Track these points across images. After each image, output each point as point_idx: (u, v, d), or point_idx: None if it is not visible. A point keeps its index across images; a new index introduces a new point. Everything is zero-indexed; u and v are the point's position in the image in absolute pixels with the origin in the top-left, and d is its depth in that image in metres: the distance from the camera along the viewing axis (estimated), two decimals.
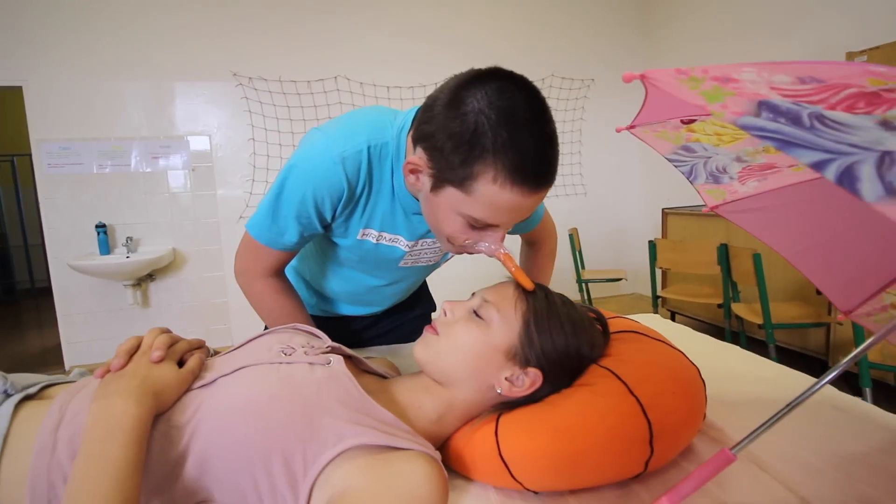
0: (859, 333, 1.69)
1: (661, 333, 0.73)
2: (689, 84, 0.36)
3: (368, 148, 0.71)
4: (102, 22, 2.77)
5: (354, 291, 0.97)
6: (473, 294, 0.68)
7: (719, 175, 0.70)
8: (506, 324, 0.61)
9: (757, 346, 2.19)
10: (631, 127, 0.64)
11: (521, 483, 0.56)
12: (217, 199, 3.08)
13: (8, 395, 0.55)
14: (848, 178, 0.27)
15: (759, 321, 2.17)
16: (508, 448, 0.57)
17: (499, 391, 0.61)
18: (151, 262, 2.78)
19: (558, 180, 3.71)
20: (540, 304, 0.63)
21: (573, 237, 3.19)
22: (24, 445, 0.50)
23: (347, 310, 1.03)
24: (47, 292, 2.94)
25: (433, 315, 0.81)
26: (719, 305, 2.56)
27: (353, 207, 0.76)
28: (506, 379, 0.61)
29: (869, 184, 0.27)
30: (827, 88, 0.34)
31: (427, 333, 0.65)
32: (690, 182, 0.74)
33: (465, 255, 0.75)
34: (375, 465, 0.47)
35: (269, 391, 0.53)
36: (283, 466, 0.48)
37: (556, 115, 3.64)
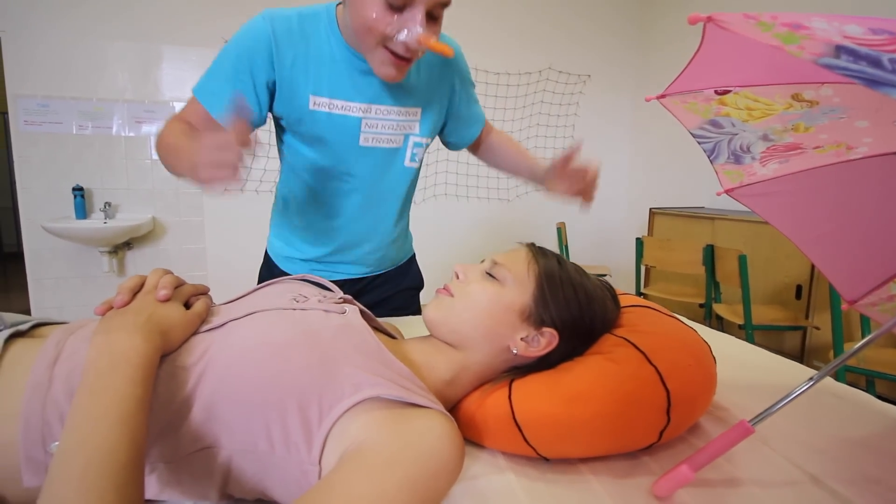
0: (838, 337, 1.74)
1: (669, 312, 0.72)
2: (761, 27, 0.34)
3: (299, 13, 0.80)
4: None
5: (331, 207, 0.95)
6: (484, 260, 0.66)
7: (741, 155, 0.70)
8: (519, 284, 0.61)
9: None
10: (662, 96, 0.62)
11: (534, 448, 0.55)
12: None
13: None
14: None
15: (740, 321, 2.22)
16: (523, 412, 0.55)
17: (515, 351, 0.60)
18: (130, 230, 2.68)
19: None
20: (552, 266, 0.63)
21: (561, 231, 3.20)
22: (16, 380, 0.46)
23: (337, 259, 1.02)
24: (15, 257, 2.81)
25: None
26: (701, 305, 2.61)
27: (293, 69, 0.80)
28: (521, 339, 0.59)
29: None
30: None
31: (440, 295, 0.63)
32: (711, 161, 0.73)
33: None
34: (394, 421, 0.45)
35: (285, 335, 0.51)
36: (298, 413, 0.46)
37: (551, 109, 3.61)
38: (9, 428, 0.44)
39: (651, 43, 3.73)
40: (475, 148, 1.12)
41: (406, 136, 0.93)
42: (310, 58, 0.81)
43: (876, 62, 0.30)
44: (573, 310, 0.61)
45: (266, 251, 1.09)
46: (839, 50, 0.31)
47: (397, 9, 0.69)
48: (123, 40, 2.74)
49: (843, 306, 0.79)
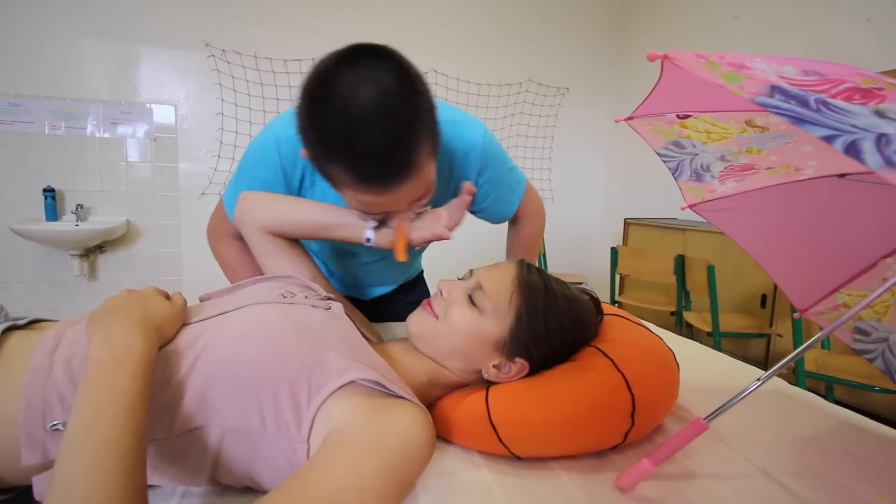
0: (798, 344, 1.83)
1: (639, 320, 0.77)
2: (709, 66, 0.39)
3: None
4: None
5: (350, 270, 1.00)
6: (471, 272, 0.68)
7: (702, 173, 0.75)
8: (498, 316, 0.62)
9: None
10: (629, 118, 0.67)
11: (507, 447, 0.58)
12: (179, 172, 2.94)
13: None
14: (854, 150, 0.31)
15: (708, 329, 2.31)
16: (498, 413, 0.59)
17: (486, 376, 0.64)
18: (103, 233, 2.63)
19: None
20: (537, 297, 0.62)
21: None
22: (15, 363, 0.49)
23: (367, 292, 1.09)
24: None
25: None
26: (672, 313, 2.70)
27: (302, 188, 0.79)
28: (493, 366, 0.63)
29: (871, 156, 0.31)
30: (827, 81, 0.38)
31: (424, 311, 0.65)
32: (675, 178, 0.79)
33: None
34: (372, 409, 0.49)
35: (276, 323, 0.54)
36: (289, 393, 0.49)
37: (531, 121, 3.68)
38: (9, 405, 0.47)
39: (626, 61, 3.86)
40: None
41: None
42: (316, 175, 0.78)
43: (804, 102, 0.35)
44: (549, 342, 0.63)
45: None
46: (773, 90, 0.36)
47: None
48: (99, 38, 2.70)
49: (795, 315, 0.85)
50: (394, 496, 0.45)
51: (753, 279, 2.57)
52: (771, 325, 2.46)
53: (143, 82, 2.83)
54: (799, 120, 0.33)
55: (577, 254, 4.12)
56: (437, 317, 0.63)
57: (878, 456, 0.65)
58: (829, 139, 0.31)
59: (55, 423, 0.47)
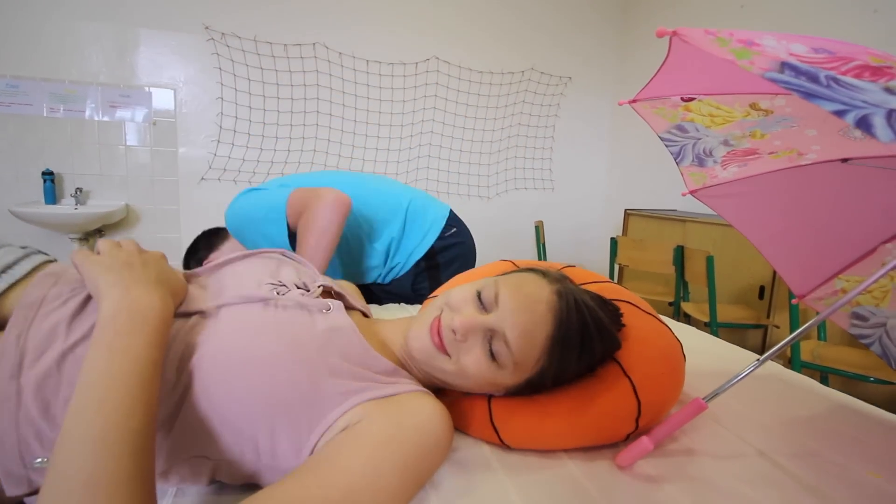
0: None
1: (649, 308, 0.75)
2: (719, 42, 0.39)
3: None
4: None
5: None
6: (496, 285, 0.56)
7: (704, 158, 0.75)
8: (518, 371, 0.54)
9: None
10: (634, 101, 0.67)
11: (508, 445, 0.59)
12: (178, 157, 2.93)
13: None
14: (864, 124, 0.31)
15: (706, 319, 2.32)
16: (499, 415, 0.59)
17: (491, 394, 0.61)
18: (103, 217, 2.62)
19: (528, 174, 3.82)
20: (570, 355, 0.55)
21: (539, 229, 3.27)
22: None
23: None
24: None
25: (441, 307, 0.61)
26: (670, 303, 2.71)
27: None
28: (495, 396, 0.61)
29: (882, 130, 0.31)
30: (837, 59, 0.38)
31: (432, 343, 0.55)
32: (677, 163, 0.79)
33: None
34: (387, 403, 0.48)
35: (270, 348, 0.48)
36: (288, 426, 0.46)
37: (532, 110, 3.66)
38: None
39: (630, 48, 3.84)
40: None
41: None
42: None
43: (814, 78, 0.35)
44: (569, 378, 0.58)
45: None
46: (784, 66, 0.36)
47: None
48: (98, 20, 2.67)
49: (794, 300, 0.86)
50: (410, 493, 0.43)
51: (752, 271, 2.58)
52: (768, 317, 2.47)
53: (142, 65, 2.80)
54: (809, 95, 0.33)
55: (577, 244, 4.12)
56: (448, 355, 0.54)
57: (872, 437, 0.66)
58: (840, 113, 0.32)
59: (38, 459, 0.42)
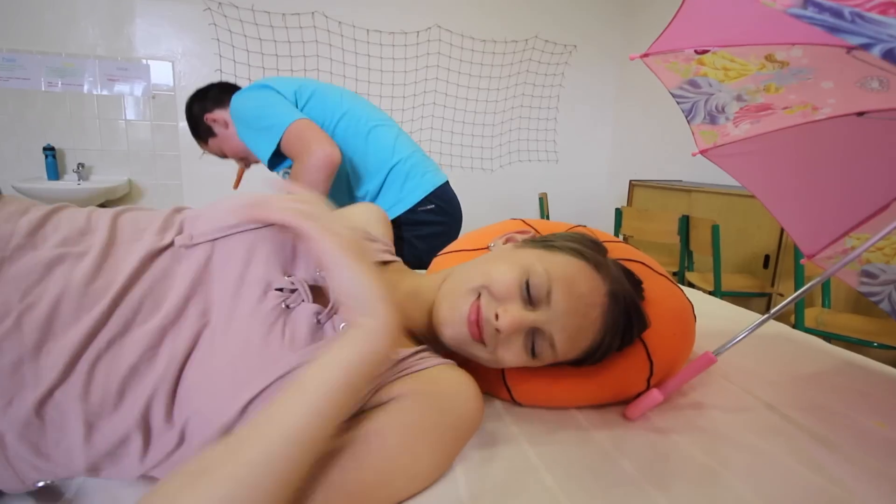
0: (800, 302, 1.85)
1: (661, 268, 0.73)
2: None
3: None
4: None
5: None
6: (549, 271, 0.50)
7: (717, 115, 0.74)
8: (556, 359, 0.52)
9: None
10: (646, 55, 0.66)
11: (519, 403, 0.60)
12: (179, 131, 2.91)
13: None
14: (892, 57, 0.30)
15: (710, 289, 2.33)
16: (512, 377, 0.60)
17: None
18: (106, 191, 2.62)
19: (532, 145, 3.77)
20: (609, 350, 0.54)
21: (543, 201, 3.26)
22: None
23: None
24: None
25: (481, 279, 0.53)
26: (675, 273, 2.72)
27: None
28: None
29: None
30: None
31: (469, 334, 0.50)
32: (688, 121, 0.77)
33: None
34: (422, 384, 0.45)
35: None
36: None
37: (536, 80, 3.57)
38: None
39: (636, 16, 3.73)
40: None
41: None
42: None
43: (838, 14, 0.34)
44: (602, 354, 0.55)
45: None
46: (807, 2, 0.35)
47: None
48: None
49: (802, 261, 0.86)
50: (442, 472, 0.44)
51: (757, 239, 2.57)
52: (773, 285, 2.47)
53: (140, 37, 2.75)
54: (833, 29, 0.32)
55: (582, 215, 4.11)
56: (484, 343, 0.50)
57: (877, 391, 0.67)
58: (866, 46, 0.31)
59: (40, 482, 0.40)
